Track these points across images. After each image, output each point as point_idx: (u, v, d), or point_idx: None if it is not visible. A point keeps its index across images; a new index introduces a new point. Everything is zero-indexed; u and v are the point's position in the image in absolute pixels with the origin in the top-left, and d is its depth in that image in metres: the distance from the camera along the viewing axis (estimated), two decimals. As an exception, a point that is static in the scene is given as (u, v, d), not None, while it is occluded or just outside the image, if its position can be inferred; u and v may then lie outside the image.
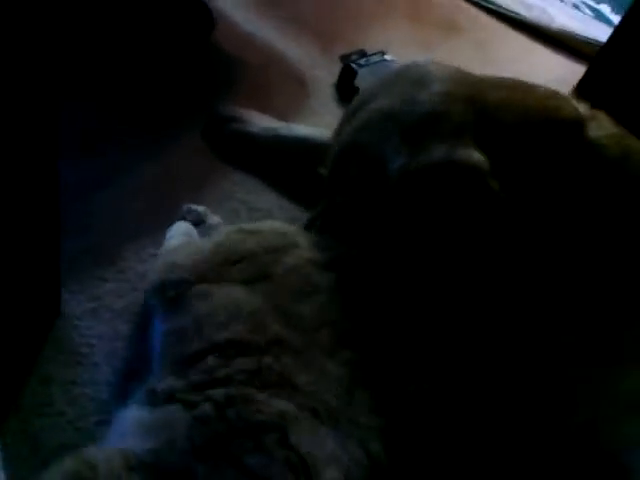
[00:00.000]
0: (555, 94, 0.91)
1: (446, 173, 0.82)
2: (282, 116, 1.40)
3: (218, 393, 0.73)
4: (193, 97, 1.43)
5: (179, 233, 1.08)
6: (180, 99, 1.42)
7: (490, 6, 1.91)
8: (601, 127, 0.88)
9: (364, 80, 1.51)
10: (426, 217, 0.83)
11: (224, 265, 0.85)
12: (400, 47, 1.67)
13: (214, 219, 1.16)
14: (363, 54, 1.58)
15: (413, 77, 0.94)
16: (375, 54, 1.58)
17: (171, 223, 1.13)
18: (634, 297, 0.85)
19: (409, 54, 1.62)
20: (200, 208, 1.15)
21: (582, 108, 0.91)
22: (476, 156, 0.82)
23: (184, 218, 1.13)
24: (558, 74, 1.61)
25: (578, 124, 0.87)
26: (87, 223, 1.14)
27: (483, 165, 0.82)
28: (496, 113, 0.86)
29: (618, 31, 1.35)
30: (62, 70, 0.87)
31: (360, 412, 0.76)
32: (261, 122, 1.34)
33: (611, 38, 1.36)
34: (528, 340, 0.86)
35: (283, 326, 0.79)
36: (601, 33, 1.75)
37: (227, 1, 1.70)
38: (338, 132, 1.00)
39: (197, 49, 1.53)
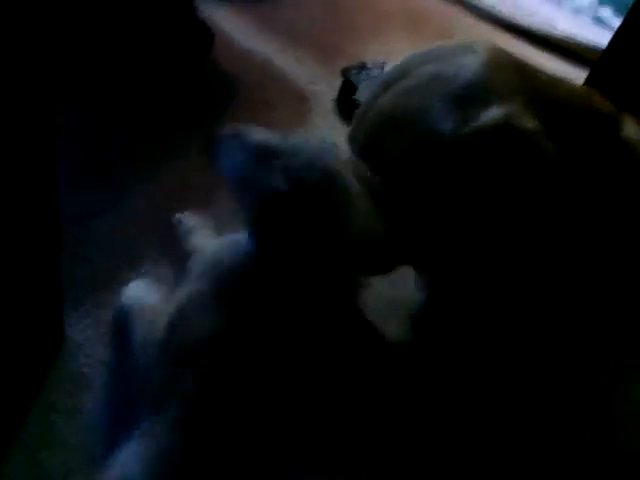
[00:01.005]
0: (592, 90, 0.90)
1: (504, 136, 0.79)
2: (283, 132, 1.39)
3: None
4: (191, 116, 1.42)
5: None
6: (178, 118, 1.41)
7: (489, 14, 1.90)
8: (633, 128, 0.87)
9: (364, 94, 1.49)
10: (482, 182, 0.80)
11: None
12: (400, 59, 1.66)
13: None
14: (363, 67, 1.57)
15: (458, 47, 0.90)
16: (375, 67, 1.57)
17: (169, 247, 1.12)
18: None
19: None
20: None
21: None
22: (531, 121, 0.80)
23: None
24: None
25: (614, 120, 0.86)
26: (87, 249, 1.13)
27: (539, 129, 0.79)
28: (543, 88, 0.84)
29: (619, 34, 1.33)
30: (59, 88, 0.87)
31: None
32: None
33: (612, 42, 1.35)
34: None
35: None
36: (603, 38, 1.74)
37: (226, 19, 1.70)
38: (369, 104, 0.95)
39: (196, 67, 1.53)
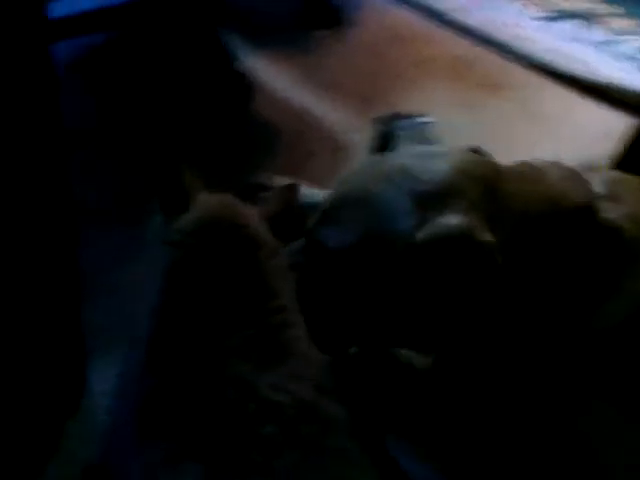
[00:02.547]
0: (568, 178, 0.93)
1: (459, 246, 0.82)
2: (319, 182, 1.40)
3: None
4: (228, 165, 1.45)
5: None
6: (217, 167, 1.43)
7: (532, 62, 1.88)
8: (617, 208, 0.89)
9: (399, 143, 1.49)
10: (431, 284, 0.84)
11: None
12: (441, 108, 1.66)
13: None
14: (399, 116, 1.57)
15: (433, 151, 0.98)
16: (412, 116, 1.56)
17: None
18: None
19: (451, 115, 1.61)
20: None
21: (600, 187, 0.92)
22: (487, 234, 0.83)
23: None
24: (604, 128, 1.57)
25: (587, 209, 0.89)
26: (110, 298, 1.14)
27: (492, 243, 0.83)
28: (505, 201, 0.88)
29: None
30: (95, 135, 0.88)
31: None
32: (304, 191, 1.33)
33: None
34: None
35: None
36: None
37: (266, 68, 1.73)
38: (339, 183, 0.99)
39: (235, 117, 1.56)
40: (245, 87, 1.59)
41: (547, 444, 0.84)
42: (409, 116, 1.56)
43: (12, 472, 0.91)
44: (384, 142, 1.52)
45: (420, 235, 0.83)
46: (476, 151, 0.99)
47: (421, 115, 1.56)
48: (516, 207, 0.88)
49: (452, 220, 0.83)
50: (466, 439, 0.86)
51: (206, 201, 0.89)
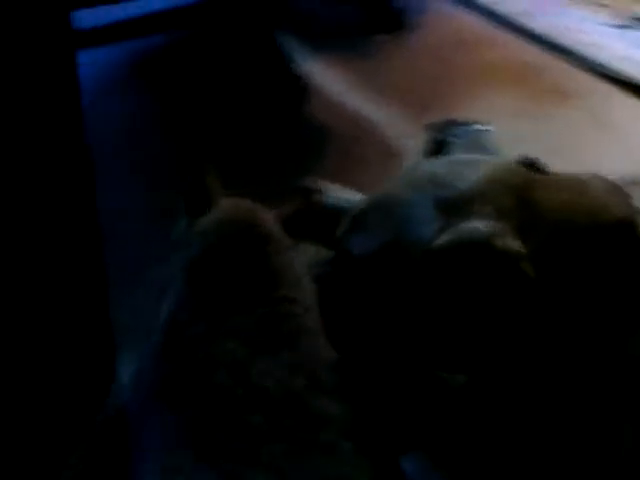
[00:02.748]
0: (609, 191, 0.87)
1: (482, 253, 0.78)
2: (369, 188, 1.36)
3: None
4: (279, 168, 1.44)
5: None
6: (268, 170, 1.43)
7: (603, 70, 1.80)
8: None
9: (452, 150, 1.45)
10: (451, 295, 0.80)
11: None
12: (504, 116, 1.61)
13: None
14: (455, 123, 1.52)
15: (469, 160, 0.96)
16: (468, 124, 1.51)
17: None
18: None
19: (514, 123, 1.56)
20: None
21: None
22: (515, 243, 0.78)
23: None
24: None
25: (628, 224, 0.83)
26: (138, 297, 1.16)
27: (520, 252, 0.78)
28: (540, 211, 0.83)
29: None
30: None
31: None
32: (341, 195, 1.31)
33: None
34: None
35: None
36: None
37: (323, 72, 1.71)
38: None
39: (288, 120, 1.55)
40: (300, 90, 1.58)
41: (578, 468, 0.78)
42: (465, 123, 1.51)
43: (37, 461, 0.92)
44: (437, 149, 1.48)
45: (439, 241, 0.79)
46: (529, 161, 0.95)
47: (478, 122, 1.52)
48: (552, 218, 0.82)
49: (476, 225, 0.79)
50: (494, 457, 0.81)
51: (225, 204, 0.96)
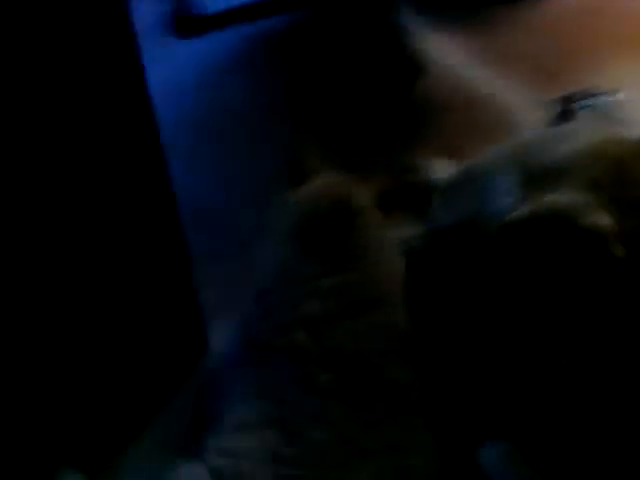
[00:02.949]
0: None
1: (561, 227, 0.68)
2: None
3: None
4: (390, 145, 1.38)
5: None
6: (376, 147, 1.38)
7: None
8: None
9: (578, 122, 1.33)
10: (522, 273, 0.71)
11: None
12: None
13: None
14: (589, 94, 1.39)
15: (572, 130, 0.87)
16: (604, 94, 1.38)
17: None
18: None
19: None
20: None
21: None
22: (604, 218, 0.68)
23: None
24: None
25: None
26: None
27: (608, 229, 0.67)
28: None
29: None
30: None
31: None
32: (442, 173, 1.23)
33: None
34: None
35: None
36: None
37: (441, 45, 1.62)
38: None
39: (403, 96, 1.48)
40: (415, 66, 1.50)
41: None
42: (595, 94, 1.38)
43: (125, 427, 0.93)
44: (562, 122, 1.36)
45: (516, 213, 0.71)
46: None
47: (610, 93, 1.38)
48: None
49: (559, 198, 0.69)
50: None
51: (322, 179, 1.00)
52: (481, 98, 1.48)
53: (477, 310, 0.78)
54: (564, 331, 0.70)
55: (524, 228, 0.70)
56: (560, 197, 0.70)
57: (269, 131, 1.46)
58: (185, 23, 1.63)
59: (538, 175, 0.74)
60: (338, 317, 0.84)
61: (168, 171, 0.90)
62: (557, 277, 0.69)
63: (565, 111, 1.36)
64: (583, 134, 0.81)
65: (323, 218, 0.92)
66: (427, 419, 0.79)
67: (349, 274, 0.87)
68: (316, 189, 0.99)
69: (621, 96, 1.35)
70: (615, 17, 1.64)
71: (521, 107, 1.46)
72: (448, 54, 1.60)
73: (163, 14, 1.66)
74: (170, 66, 1.56)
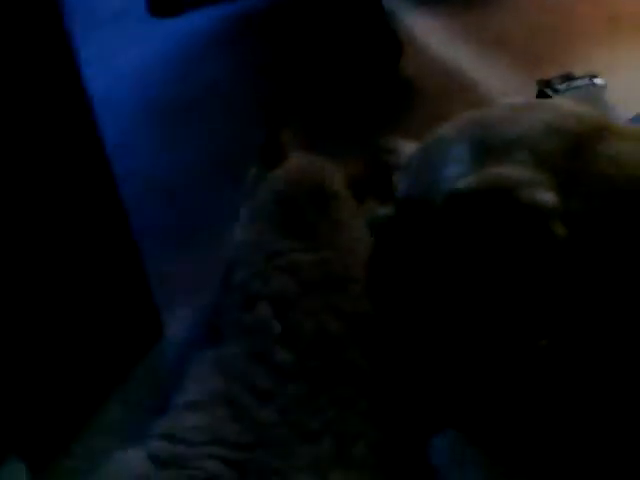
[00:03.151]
0: None
1: (501, 203, 0.67)
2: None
3: None
4: (364, 126, 1.36)
5: None
6: (350, 127, 1.36)
7: None
8: None
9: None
10: (467, 246, 0.69)
11: None
12: (630, 69, 1.42)
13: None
14: (567, 78, 1.35)
15: (536, 104, 0.84)
16: (581, 77, 1.34)
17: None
18: None
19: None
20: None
21: None
22: (548, 195, 0.65)
23: None
24: None
25: None
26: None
27: (551, 206, 0.64)
28: (604, 164, 0.69)
29: None
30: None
31: None
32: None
33: None
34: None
35: None
36: None
37: (424, 25, 1.59)
38: None
39: (380, 78, 1.46)
40: (395, 46, 1.47)
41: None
42: (573, 78, 1.34)
43: (74, 409, 0.94)
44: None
45: (457, 185, 0.69)
46: None
47: (595, 76, 1.34)
48: (613, 172, 0.68)
49: (505, 171, 0.67)
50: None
51: (295, 159, 0.99)
52: (461, 80, 1.45)
53: (431, 285, 0.76)
54: (504, 308, 0.68)
55: (467, 200, 0.69)
56: (506, 170, 0.68)
57: (247, 111, 1.44)
58: (161, 3, 1.62)
59: (492, 147, 0.72)
60: (306, 295, 0.83)
61: (106, 156, 0.90)
62: (498, 252, 0.67)
63: (541, 94, 1.32)
64: (545, 109, 0.78)
65: (296, 199, 0.92)
66: (381, 406, 0.77)
67: (320, 252, 0.87)
68: (289, 171, 0.98)
69: (599, 80, 1.32)
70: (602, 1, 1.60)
71: (503, 90, 1.42)
72: (432, 34, 1.57)
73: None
74: (147, 46, 1.56)
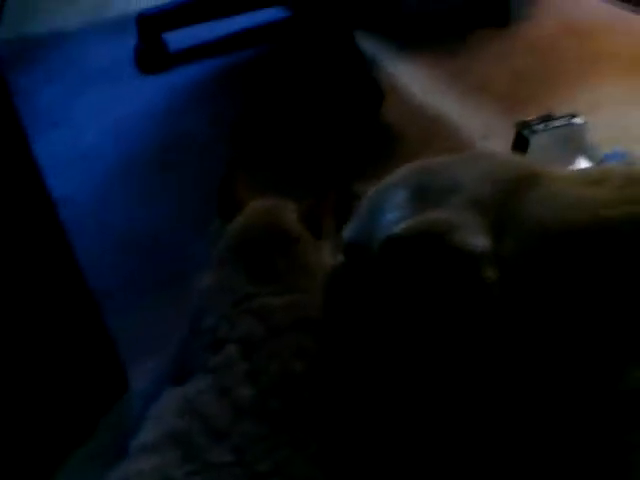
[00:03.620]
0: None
1: (432, 247, 0.66)
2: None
3: None
4: (341, 173, 1.36)
5: None
6: (328, 174, 1.37)
7: None
8: None
9: (539, 148, 1.29)
10: (402, 291, 0.69)
11: None
12: (613, 106, 1.41)
13: None
14: (547, 118, 1.34)
15: (477, 153, 0.88)
16: (560, 118, 1.33)
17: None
18: None
19: (623, 114, 1.36)
20: None
21: None
22: (478, 239, 0.64)
23: None
24: None
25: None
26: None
27: (479, 250, 0.64)
28: (532, 206, 0.68)
29: None
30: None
31: None
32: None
33: None
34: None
35: None
36: None
37: (407, 72, 1.60)
38: None
39: (362, 124, 1.47)
40: (376, 94, 1.49)
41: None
42: (557, 118, 1.33)
43: (43, 457, 0.93)
44: (522, 147, 1.32)
45: (393, 230, 0.68)
46: None
47: (571, 116, 1.33)
48: (544, 215, 0.66)
49: (438, 215, 0.67)
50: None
51: (252, 207, 0.99)
52: (441, 126, 1.46)
53: (377, 330, 0.75)
54: (438, 351, 0.67)
55: (401, 244, 0.68)
56: (440, 214, 0.68)
57: (222, 165, 1.46)
58: (149, 60, 1.67)
59: (430, 193, 0.72)
60: (272, 337, 0.83)
61: (51, 200, 0.91)
62: (430, 295, 0.66)
63: (519, 136, 1.32)
64: (483, 157, 0.79)
65: (257, 244, 0.93)
66: (331, 450, 0.76)
67: (287, 295, 0.88)
68: (248, 216, 0.98)
69: (578, 120, 1.31)
70: (604, 37, 1.60)
71: (483, 135, 1.42)
72: (414, 81, 1.58)
73: (128, 52, 1.70)
74: (134, 102, 1.60)
